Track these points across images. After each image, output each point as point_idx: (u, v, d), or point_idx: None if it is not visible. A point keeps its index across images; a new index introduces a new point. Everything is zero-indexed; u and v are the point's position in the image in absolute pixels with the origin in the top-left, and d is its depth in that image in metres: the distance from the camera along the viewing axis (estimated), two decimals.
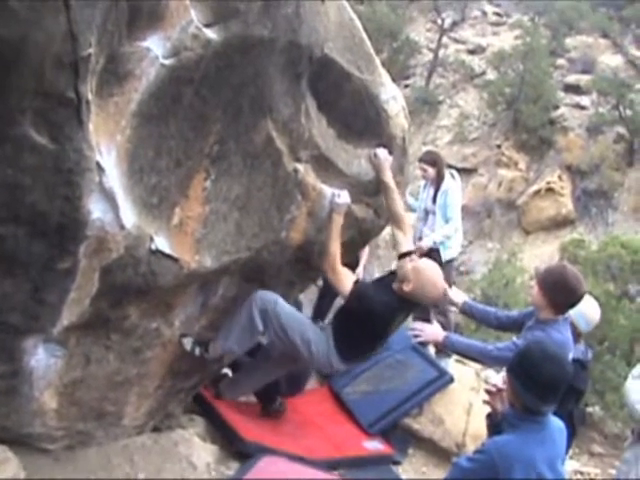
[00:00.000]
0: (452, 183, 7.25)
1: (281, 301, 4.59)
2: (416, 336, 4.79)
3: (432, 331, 4.78)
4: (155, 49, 3.14)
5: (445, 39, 24.96)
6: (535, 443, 3.35)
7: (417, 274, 4.51)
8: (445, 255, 7.21)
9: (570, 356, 4.35)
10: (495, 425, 3.65)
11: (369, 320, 4.56)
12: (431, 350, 7.18)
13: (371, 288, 4.66)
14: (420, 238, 7.42)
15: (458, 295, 5.15)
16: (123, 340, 3.99)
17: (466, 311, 5.08)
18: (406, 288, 4.52)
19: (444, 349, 5.65)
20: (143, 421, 4.67)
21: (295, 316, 4.71)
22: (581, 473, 8.20)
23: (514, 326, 4.91)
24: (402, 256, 4.65)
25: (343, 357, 4.75)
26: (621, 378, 8.48)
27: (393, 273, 4.76)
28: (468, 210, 18.52)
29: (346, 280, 4.52)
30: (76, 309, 3.50)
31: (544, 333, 4.27)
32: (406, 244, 4.70)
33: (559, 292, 4.32)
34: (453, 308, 6.83)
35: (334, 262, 4.47)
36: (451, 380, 6.84)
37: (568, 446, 5.08)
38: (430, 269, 4.60)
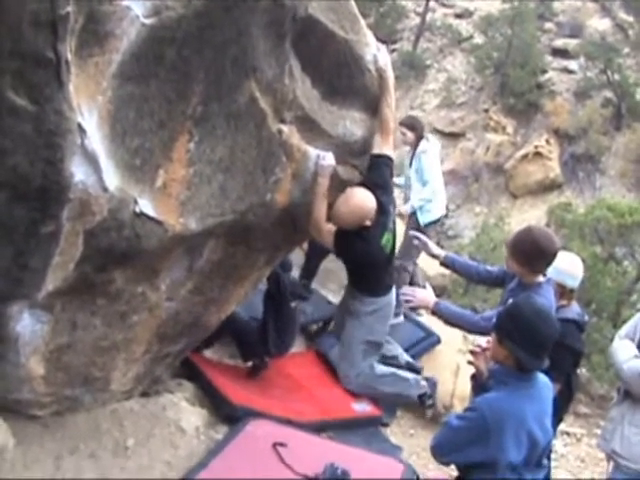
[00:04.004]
0: (426, 146, 7.22)
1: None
2: (407, 301, 4.78)
3: (423, 296, 4.74)
4: (135, 8, 3.09)
5: (432, 3, 24.82)
6: (525, 399, 3.38)
7: (337, 219, 4.54)
8: (424, 219, 7.22)
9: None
10: (480, 385, 3.67)
11: (363, 263, 4.70)
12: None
13: (344, 239, 4.66)
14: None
15: (438, 249, 5.18)
16: (109, 305, 3.97)
17: (448, 264, 5.10)
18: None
19: (433, 315, 5.68)
20: (131, 386, 4.67)
21: (348, 349, 5.15)
22: (567, 434, 8.30)
23: (495, 282, 4.97)
24: (373, 157, 4.65)
25: (379, 294, 5.04)
26: (607, 340, 8.54)
27: None
28: (456, 174, 18.60)
29: (329, 238, 4.56)
30: (60, 274, 3.47)
31: None
32: (381, 146, 4.66)
33: (534, 257, 4.29)
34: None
35: (319, 224, 4.52)
36: (438, 341, 6.89)
37: (565, 409, 5.13)
38: (338, 208, 4.57)
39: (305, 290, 6.75)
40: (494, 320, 4.22)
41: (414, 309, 6.66)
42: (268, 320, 5.53)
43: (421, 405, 5.26)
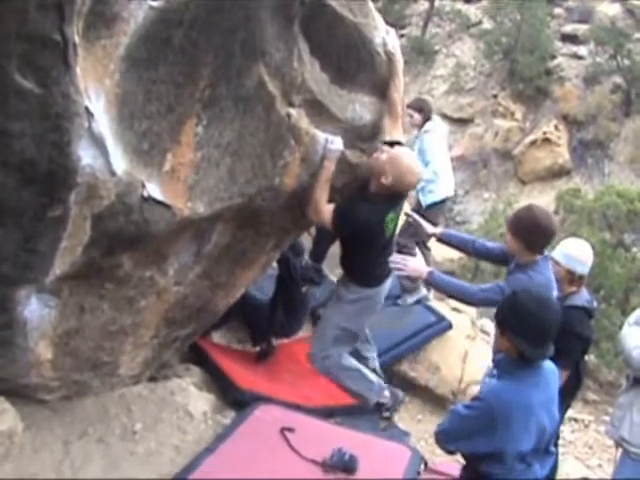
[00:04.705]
0: (430, 126, 7.16)
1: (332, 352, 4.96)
2: (398, 269, 4.65)
3: (415, 265, 4.62)
4: None
5: None
6: (531, 388, 3.36)
7: (393, 164, 4.43)
8: (426, 199, 7.14)
9: (554, 294, 4.34)
10: None
11: (361, 235, 4.55)
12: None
13: (347, 205, 4.56)
14: None
15: (432, 227, 5.14)
16: (117, 289, 3.97)
17: (444, 239, 5.05)
18: (385, 181, 4.44)
19: (427, 285, 5.58)
20: (139, 371, 4.68)
21: (323, 330, 4.99)
22: (575, 420, 8.29)
23: (495, 259, 4.93)
24: (385, 144, 4.58)
25: (367, 284, 4.83)
26: (616, 327, 8.55)
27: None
28: (464, 160, 18.54)
29: (328, 215, 4.48)
30: (68, 258, 3.47)
31: (525, 276, 4.25)
32: (391, 131, 4.61)
33: (532, 234, 4.28)
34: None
35: (318, 205, 4.43)
36: (449, 326, 6.86)
37: (573, 396, 5.12)
38: (405, 156, 4.52)
39: (317, 275, 6.73)
40: (491, 293, 4.22)
41: (407, 278, 6.54)
42: (277, 303, 5.54)
43: (378, 413, 5.15)
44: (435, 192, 7.21)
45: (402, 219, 5.33)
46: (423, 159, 7.10)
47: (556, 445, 4.41)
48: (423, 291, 7.11)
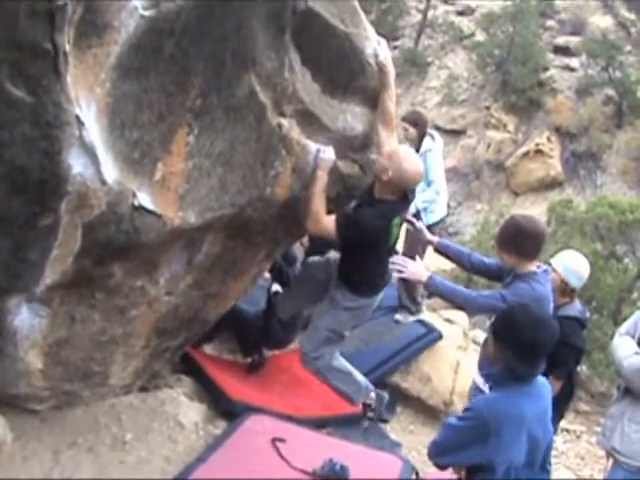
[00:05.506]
0: (432, 144, 7.02)
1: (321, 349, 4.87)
2: (398, 271, 4.59)
3: (415, 269, 4.57)
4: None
5: (434, 0, 24.73)
6: (524, 399, 3.35)
7: (392, 157, 4.35)
8: (428, 219, 7.08)
9: (551, 306, 4.34)
10: None
11: (367, 241, 4.46)
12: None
13: (353, 210, 4.52)
14: None
15: (431, 235, 5.11)
16: (108, 299, 3.96)
17: (440, 250, 4.99)
18: (385, 177, 4.35)
19: (426, 290, 5.53)
20: (130, 381, 4.67)
21: (315, 331, 4.90)
22: (567, 431, 8.29)
23: (491, 274, 4.85)
24: None
25: (365, 294, 4.78)
26: (608, 337, 8.53)
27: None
28: (457, 172, 18.59)
29: (331, 223, 4.39)
30: (59, 267, 3.47)
31: (527, 285, 4.22)
32: (389, 141, 4.53)
33: (522, 243, 4.25)
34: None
35: (318, 217, 4.37)
36: (440, 337, 6.86)
37: (566, 407, 5.10)
38: (404, 150, 4.49)
39: None
40: (492, 300, 4.19)
41: (405, 281, 6.47)
42: (271, 313, 5.52)
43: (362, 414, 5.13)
44: (435, 212, 7.14)
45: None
46: (426, 178, 7.01)
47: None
48: (424, 314, 7.09)
